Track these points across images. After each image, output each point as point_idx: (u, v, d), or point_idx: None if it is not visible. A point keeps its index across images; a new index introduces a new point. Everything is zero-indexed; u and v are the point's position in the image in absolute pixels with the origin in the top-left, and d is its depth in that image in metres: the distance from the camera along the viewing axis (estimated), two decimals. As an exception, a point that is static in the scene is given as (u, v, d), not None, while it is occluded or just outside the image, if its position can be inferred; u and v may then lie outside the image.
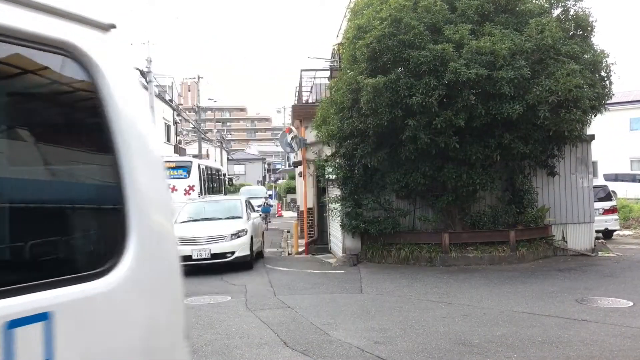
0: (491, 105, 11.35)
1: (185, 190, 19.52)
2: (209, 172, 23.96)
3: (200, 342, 6.75)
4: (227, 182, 30.55)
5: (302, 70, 19.22)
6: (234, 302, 9.24)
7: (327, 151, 15.00)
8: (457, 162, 12.21)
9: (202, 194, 19.96)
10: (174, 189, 19.07)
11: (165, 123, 31.88)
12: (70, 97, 2.01)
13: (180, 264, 2.27)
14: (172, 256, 2.25)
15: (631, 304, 8.22)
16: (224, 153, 62.50)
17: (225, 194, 26.62)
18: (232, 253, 12.54)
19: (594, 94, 11.63)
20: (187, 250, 12.03)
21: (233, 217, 13.86)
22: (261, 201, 33.79)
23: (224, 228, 12.96)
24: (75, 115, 2.01)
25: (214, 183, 24.66)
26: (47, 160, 1.88)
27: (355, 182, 13.29)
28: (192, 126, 48.93)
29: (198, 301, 9.43)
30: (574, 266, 11.91)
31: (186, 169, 20.08)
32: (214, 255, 12.37)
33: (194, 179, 19.97)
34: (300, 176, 19.55)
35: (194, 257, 12.16)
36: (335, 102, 13.26)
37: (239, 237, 12.79)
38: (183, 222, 13.56)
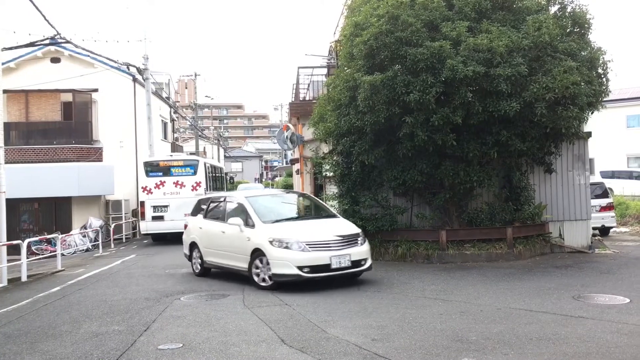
0: (488, 102, 11.35)
1: (192, 186, 21.20)
2: (213, 170, 25.68)
3: (198, 339, 6.75)
4: (228, 180, 31.73)
5: (299, 68, 19.27)
6: (231, 299, 9.24)
7: (325, 148, 14.99)
8: (454, 160, 12.22)
9: (207, 190, 21.37)
10: (182, 185, 21.13)
11: (162, 120, 31.80)
12: None
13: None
14: None
15: (628, 300, 8.24)
16: (221, 150, 62.46)
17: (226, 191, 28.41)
18: (366, 260, 10.21)
19: (590, 91, 11.64)
20: (324, 257, 9.61)
21: (329, 216, 11.38)
22: None
23: (344, 229, 10.41)
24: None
25: (216, 180, 26.39)
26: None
27: (353, 179, 13.28)
28: (189, 123, 48.85)
29: (195, 298, 9.43)
30: (570, 263, 11.94)
31: (193, 167, 21.67)
32: (354, 263, 9.91)
33: (201, 176, 21.52)
34: (298, 173, 19.56)
35: (333, 266, 9.63)
36: (332, 99, 13.26)
37: (365, 240, 10.51)
38: (276, 221, 10.61)
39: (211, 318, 7.88)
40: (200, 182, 21.38)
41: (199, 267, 11.97)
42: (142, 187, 21.28)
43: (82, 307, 9.11)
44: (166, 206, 20.92)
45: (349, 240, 10.03)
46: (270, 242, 9.84)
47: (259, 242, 10.04)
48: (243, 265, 10.46)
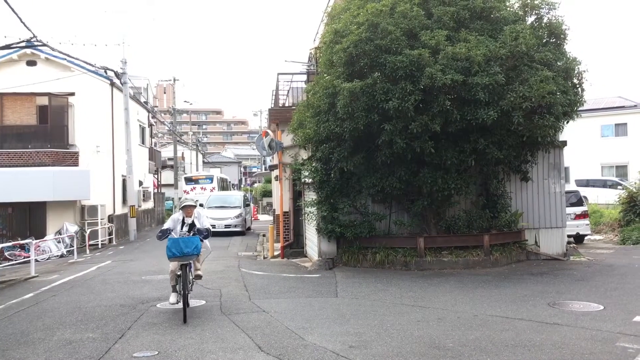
0: (466, 110, 11.47)
1: (210, 189, 36.87)
2: (220, 180, 42.22)
3: (174, 347, 6.67)
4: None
5: (279, 74, 19.14)
6: (208, 306, 9.15)
7: (304, 155, 14.98)
8: (432, 167, 12.30)
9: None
10: (204, 189, 37.28)
11: (140, 125, 31.45)
12: None
13: None
14: None
15: (602, 307, 8.36)
16: (200, 156, 62.02)
17: None
18: None
19: (566, 100, 11.83)
20: None
21: None
22: (234, 215, 26.27)
23: None
24: None
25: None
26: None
27: (332, 185, 13.29)
28: (168, 128, 48.46)
29: (172, 305, 9.30)
30: (546, 270, 12.08)
31: (211, 178, 39.68)
32: None
33: (216, 183, 38.92)
34: (277, 180, 19.49)
35: None
36: (312, 106, 13.26)
37: None
38: None
39: (188, 325, 7.79)
40: (215, 187, 37.94)
41: None
42: (184, 191, 37.88)
43: (55, 314, 8.95)
44: (196, 201, 32.69)
45: None
46: None
47: None
48: None
